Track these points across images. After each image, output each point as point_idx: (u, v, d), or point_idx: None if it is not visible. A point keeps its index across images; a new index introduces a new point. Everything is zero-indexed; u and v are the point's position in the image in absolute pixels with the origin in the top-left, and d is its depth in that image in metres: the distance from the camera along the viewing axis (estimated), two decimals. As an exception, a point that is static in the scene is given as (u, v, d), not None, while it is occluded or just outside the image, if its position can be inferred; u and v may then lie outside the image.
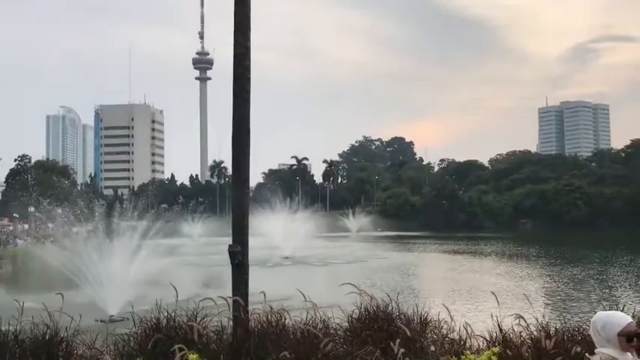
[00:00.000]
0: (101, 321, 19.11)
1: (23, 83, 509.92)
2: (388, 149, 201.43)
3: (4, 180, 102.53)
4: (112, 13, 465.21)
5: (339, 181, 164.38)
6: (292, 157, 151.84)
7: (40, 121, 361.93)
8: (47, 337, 6.38)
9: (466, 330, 6.65)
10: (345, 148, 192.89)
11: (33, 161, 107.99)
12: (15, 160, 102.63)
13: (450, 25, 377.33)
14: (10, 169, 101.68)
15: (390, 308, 7.03)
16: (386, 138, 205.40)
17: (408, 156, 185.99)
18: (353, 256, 54.70)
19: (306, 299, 7.14)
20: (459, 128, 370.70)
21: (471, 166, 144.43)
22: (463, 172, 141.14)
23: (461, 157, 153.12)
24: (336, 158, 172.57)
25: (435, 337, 6.84)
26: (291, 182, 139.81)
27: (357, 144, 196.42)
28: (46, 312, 6.80)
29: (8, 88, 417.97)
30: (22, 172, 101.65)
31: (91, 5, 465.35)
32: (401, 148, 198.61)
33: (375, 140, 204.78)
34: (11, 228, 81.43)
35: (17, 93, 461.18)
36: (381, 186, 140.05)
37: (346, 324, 7.00)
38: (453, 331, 6.85)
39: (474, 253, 59.70)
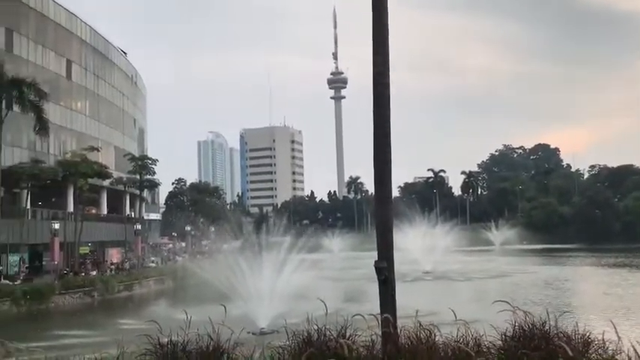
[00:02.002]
0: (252, 333, 19.96)
1: (177, 113, 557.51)
2: (532, 157, 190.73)
3: (163, 202, 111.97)
4: (251, 40, 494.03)
5: (479, 192, 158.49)
6: (428, 169, 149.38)
7: (192, 146, 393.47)
8: (210, 349, 6.83)
9: (636, 351, 6.07)
10: (484, 157, 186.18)
11: (188, 184, 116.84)
12: (172, 183, 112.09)
13: (591, 23, 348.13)
14: (169, 192, 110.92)
15: (546, 326, 6.63)
16: (528, 145, 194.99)
17: (554, 163, 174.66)
18: (498, 270, 52.45)
19: (456, 316, 6.96)
20: (610, 131, 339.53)
21: (627, 171, 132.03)
22: (617, 178, 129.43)
23: (614, 163, 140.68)
24: (475, 169, 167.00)
25: (599, 358, 6.34)
26: (428, 195, 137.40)
27: (497, 153, 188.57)
28: (206, 324, 7.27)
29: (164, 118, 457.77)
30: (178, 194, 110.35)
31: (233, 35, 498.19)
32: (546, 155, 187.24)
33: (517, 148, 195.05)
34: (170, 246, 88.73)
35: (172, 122, 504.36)
36: (526, 196, 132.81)
37: (499, 342, 6.70)
38: (620, 352, 6.27)
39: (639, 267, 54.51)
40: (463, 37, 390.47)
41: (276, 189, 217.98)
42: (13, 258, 49.86)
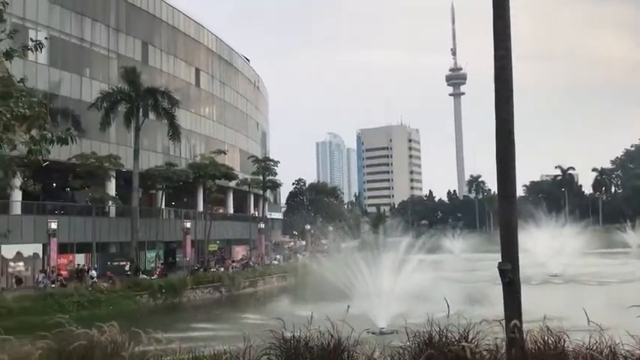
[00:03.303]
0: (372, 333, 19.97)
1: (297, 114, 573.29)
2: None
3: (285, 202, 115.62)
4: (367, 39, 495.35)
5: (612, 191, 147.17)
6: (556, 167, 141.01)
7: (311, 147, 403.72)
8: (331, 346, 6.96)
9: None
10: (619, 153, 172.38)
11: (307, 184, 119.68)
12: (293, 183, 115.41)
13: None
14: (290, 192, 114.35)
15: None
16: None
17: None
18: (636, 274, 48.34)
19: (589, 321, 6.54)
20: None
21: None
22: None
23: None
24: (608, 165, 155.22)
25: None
26: (556, 194, 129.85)
27: (632, 148, 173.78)
28: (327, 321, 7.40)
29: (284, 120, 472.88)
30: (298, 194, 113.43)
31: (350, 34, 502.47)
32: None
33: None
34: (291, 244, 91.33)
35: (292, 124, 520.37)
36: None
37: (638, 352, 6.21)
38: None
39: None
40: (593, 23, 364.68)
41: (393, 188, 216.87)
42: (150, 254, 54.07)
